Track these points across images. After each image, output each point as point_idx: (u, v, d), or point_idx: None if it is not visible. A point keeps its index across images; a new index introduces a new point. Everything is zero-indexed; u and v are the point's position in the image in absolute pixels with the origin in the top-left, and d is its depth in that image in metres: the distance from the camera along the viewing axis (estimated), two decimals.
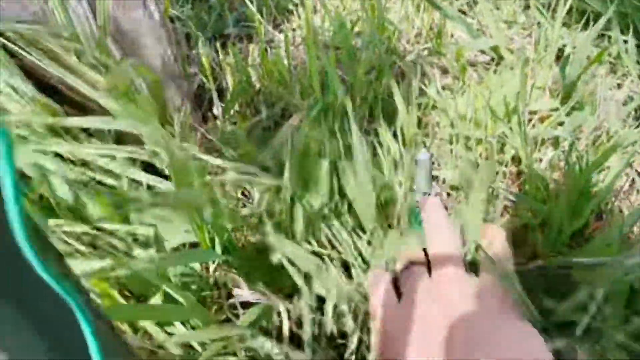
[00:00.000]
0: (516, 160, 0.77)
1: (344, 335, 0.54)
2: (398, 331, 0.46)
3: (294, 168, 0.62)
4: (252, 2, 0.93)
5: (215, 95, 0.83)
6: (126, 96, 0.54)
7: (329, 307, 0.51)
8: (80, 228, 0.49)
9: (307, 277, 0.54)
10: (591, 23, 0.96)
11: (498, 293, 0.48)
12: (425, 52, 0.98)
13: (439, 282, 0.49)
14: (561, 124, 0.81)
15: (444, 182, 0.76)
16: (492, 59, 0.99)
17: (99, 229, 0.49)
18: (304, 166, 0.63)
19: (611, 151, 0.69)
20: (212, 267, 0.57)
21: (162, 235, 0.49)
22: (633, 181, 0.76)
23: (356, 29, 0.98)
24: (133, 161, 0.54)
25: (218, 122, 0.84)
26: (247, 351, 0.49)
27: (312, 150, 0.64)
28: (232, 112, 0.83)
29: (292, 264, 0.53)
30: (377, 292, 0.52)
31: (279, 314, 0.52)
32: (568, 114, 0.81)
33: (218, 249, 0.56)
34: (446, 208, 0.72)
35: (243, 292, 0.54)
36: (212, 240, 0.56)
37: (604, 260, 0.53)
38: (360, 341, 0.53)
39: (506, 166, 0.74)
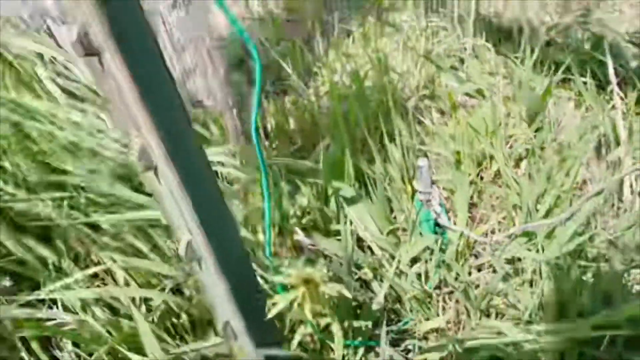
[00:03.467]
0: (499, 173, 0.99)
1: None
2: None
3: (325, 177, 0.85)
4: (287, 65, 1.20)
5: (262, 133, 1.09)
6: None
7: None
8: None
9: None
10: (555, 68, 1.21)
11: None
12: (424, 97, 1.23)
13: None
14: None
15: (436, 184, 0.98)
16: (479, 102, 1.24)
17: None
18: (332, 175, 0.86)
19: (561, 153, 0.91)
20: None
21: None
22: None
23: (367, 82, 1.24)
24: None
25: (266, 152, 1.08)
26: None
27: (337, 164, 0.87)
28: (275, 144, 1.07)
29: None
30: None
31: None
32: (535, 136, 1.04)
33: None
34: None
35: None
36: None
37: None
38: None
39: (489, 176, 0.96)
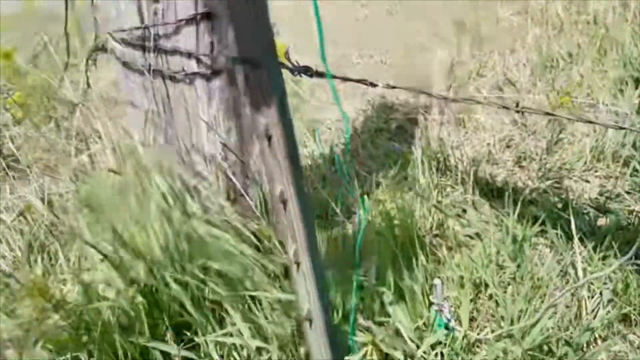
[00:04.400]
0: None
1: None
2: None
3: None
4: (336, 204, 1.64)
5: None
6: None
7: None
8: None
9: None
10: (533, 221, 1.63)
11: None
12: (436, 235, 1.65)
13: None
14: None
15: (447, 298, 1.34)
16: (476, 242, 1.65)
17: None
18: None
19: (536, 283, 1.29)
20: None
21: None
22: None
23: (395, 222, 1.66)
24: None
25: None
26: None
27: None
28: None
29: None
30: None
31: None
32: (517, 269, 1.43)
33: None
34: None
35: None
36: None
37: None
38: None
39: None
